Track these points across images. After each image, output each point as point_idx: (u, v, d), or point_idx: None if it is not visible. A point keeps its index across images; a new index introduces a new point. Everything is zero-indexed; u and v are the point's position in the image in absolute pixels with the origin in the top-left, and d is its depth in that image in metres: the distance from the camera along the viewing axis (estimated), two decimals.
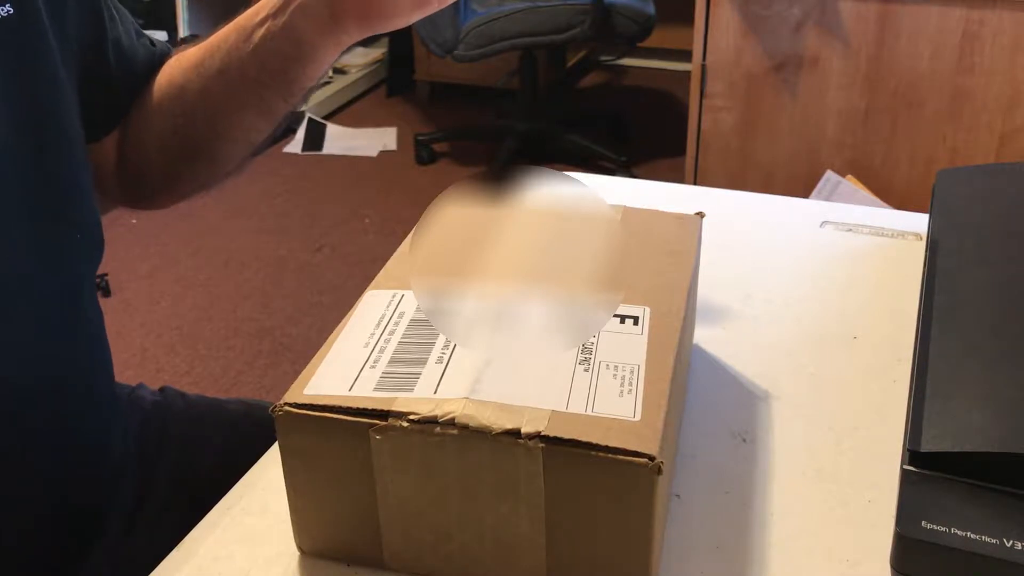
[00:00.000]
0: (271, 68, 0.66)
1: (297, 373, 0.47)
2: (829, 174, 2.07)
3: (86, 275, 0.67)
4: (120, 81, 0.71)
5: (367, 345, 0.49)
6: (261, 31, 0.65)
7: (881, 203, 2.02)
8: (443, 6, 0.62)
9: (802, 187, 2.11)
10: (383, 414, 0.44)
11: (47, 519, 0.65)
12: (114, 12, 0.70)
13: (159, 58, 0.74)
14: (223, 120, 0.70)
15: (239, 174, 0.76)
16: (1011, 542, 0.42)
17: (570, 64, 3.60)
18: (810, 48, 2.01)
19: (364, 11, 0.62)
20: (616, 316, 0.50)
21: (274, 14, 0.64)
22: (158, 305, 2.24)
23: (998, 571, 0.42)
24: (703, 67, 2.09)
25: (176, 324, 2.16)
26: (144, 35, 0.74)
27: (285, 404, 0.45)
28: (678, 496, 0.53)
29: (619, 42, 2.67)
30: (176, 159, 0.73)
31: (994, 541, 0.42)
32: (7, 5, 0.58)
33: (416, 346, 0.48)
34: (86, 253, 0.66)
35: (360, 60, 3.55)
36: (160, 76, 0.73)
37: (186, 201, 0.78)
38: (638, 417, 0.43)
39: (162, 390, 0.81)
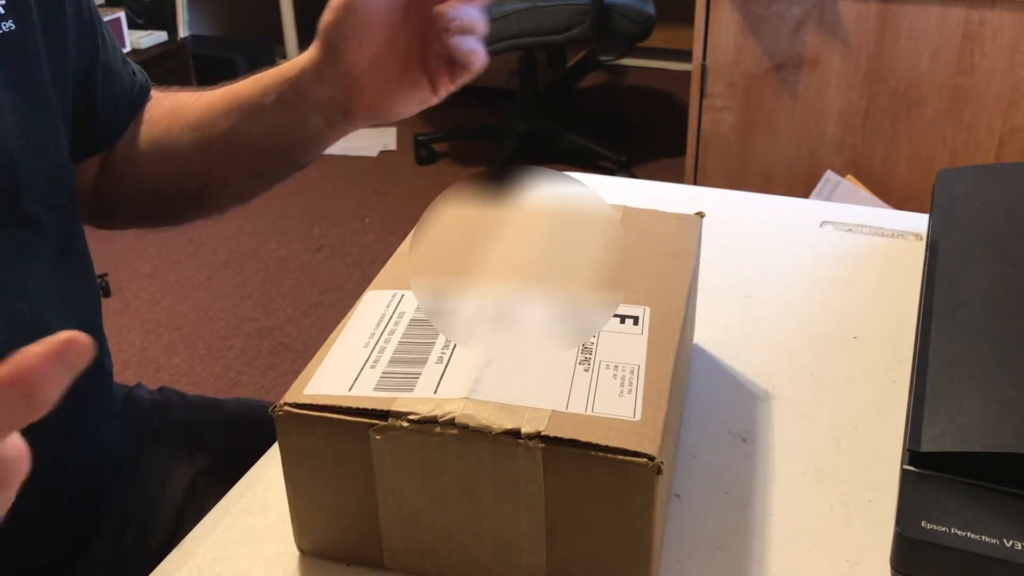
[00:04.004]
0: (279, 142, 0.68)
1: (297, 373, 0.47)
2: (829, 174, 2.07)
3: (80, 278, 0.67)
4: (104, 107, 0.71)
5: (367, 345, 0.49)
6: (273, 115, 0.67)
7: (881, 203, 2.02)
8: (440, 100, 0.67)
9: (802, 187, 2.11)
10: (383, 414, 0.44)
11: (45, 519, 0.65)
12: (106, 36, 0.71)
13: (139, 90, 0.74)
14: (215, 177, 0.72)
15: (216, 216, 0.77)
16: (1011, 542, 0.42)
17: (570, 64, 3.60)
18: (810, 48, 2.01)
19: (374, 110, 0.66)
20: (616, 316, 0.50)
21: (285, 103, 0.66)
22: (158, 305, 2.24)
23: (998, 571, 0.42)
24: (703, 67, 2.09)
25: (176, 324, 2.16)
26: (128, 63, 0.75)
27: (285, 404, 0.45)
28: (678, 496, 0.53)
29: (619, 42, 2.67)
30: (159, 199, 0.74)
31: (994, 541, 0.42)
32: (9, 20, 0.58)
33: (416, 346, 0.48)
34: (76, 260, 0.66)
35: None
36: (160, 121, 0.73)
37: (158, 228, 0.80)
38: (638, 417, 0.43)
39: (160, 390, 0.81)
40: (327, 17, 0.62)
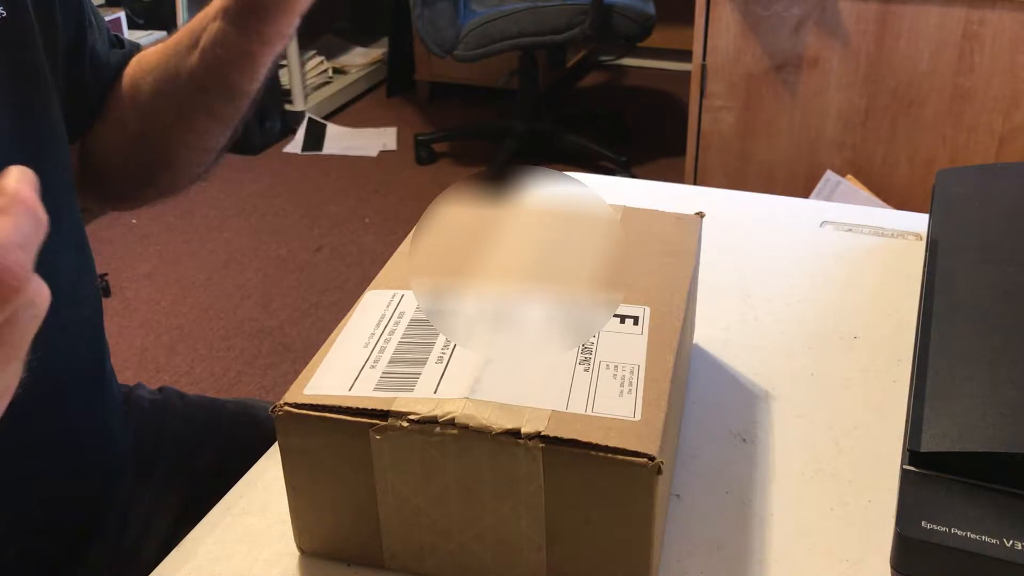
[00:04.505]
0: (213, 71, 0.67)
1: (297, 373, 0.47)
2: (829, 174, 2.07)
3: (81, 274, 0.67)
4: (92, 88, 0.71)
5: (367, 345, 0.49)
6: (204, 35, 0.66)
7: (881, 203, 2.02)
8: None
9: (802, 187, 2.11)
10: (383, 414, 0.44)
11: (45, 518, 0.65)
12: (92, 19, 0.71)
13: (128, 59, 0.74)
14: (178, 125, 0.71)
15: (204, 179, 0.77)
16: (1011, 542, 0.42)
17: (570, 64, 3.60)
18: (810, 48, 2.01)
19: (259, 13, 0.63)
20: (616, 316, 0.50)
21: (213, 18, 0.66)
22: (158, 305, 2.24)
23: (998, 571, 0.42)
24: (703, 67, 2.09)
25: (176, 324, 2.16)
26: (119, 40, 0.75)
27: (285, 404, 0.45)
28: (678, 496, 0.53)
29: (619, 42, 2.67)
30: (136, 164, 0.74)
31: (994, 541, 0.42)
32: (1, 7, 0.58)
33: (416, 346, 0.48)
34: (76, 252, 0.66)
35: (360, 60, 3.55)
36: (124, 81, 0.73)
37: (152, 204, 0.79)
38: (638, 417, 0.43)
39: (161, 390, 0.81)
40: None
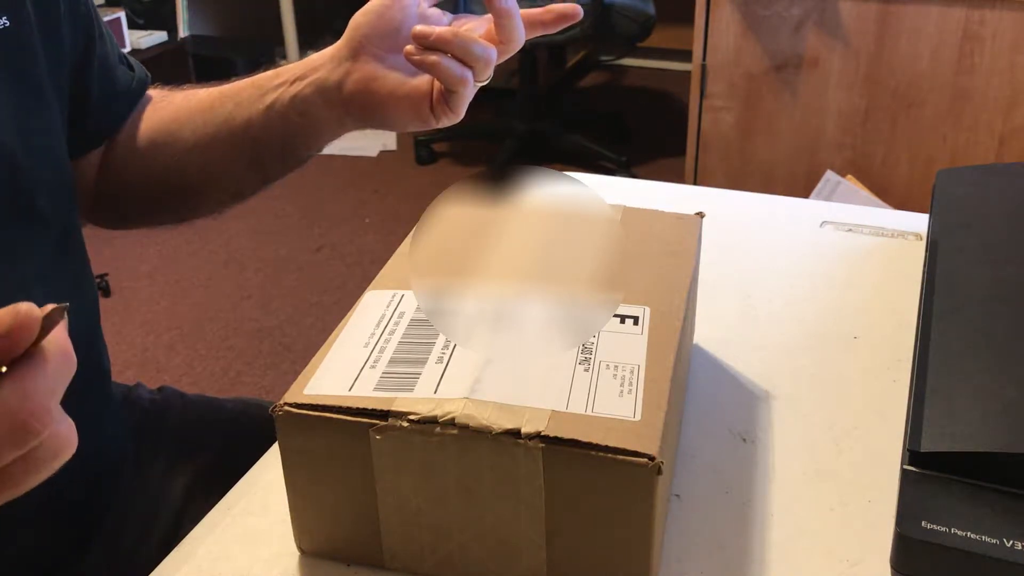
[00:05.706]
0: (274, 130, 0.68)
1: (297, 373, 0.47)
2: (829, 174, 2.07)
3: (79, 277, 0.67)
4: (99, 102, 0.71)
5: (367, 345, 0.49)
6: (275, 93, 0.67)
7: (881, 203, 2.02)
8: (445, 125, 0.64)
9: (802, 187, 2.11)
10: (383, 414, 0.44)
11: (44, 518, 0.65)
12: (103, 31, 0.71)
13: (137, 84, 0.74)
14: (216, 167, 0.71)
15: (217, 216, 0.77)
16: (1011, 542, 0.42)
17: (570, 64, 3.60)
18: (810, 48, 2.01)
19: (367, 112, 0.65)
20: (616, 316, 0.50)
21: (292, 81, 0.66)
22: (158, 305, 2.23)
23: (998, 571, 0.42)
24: (703, 67, 2.09)
25: (176, 324, 2.16)
26: (125, 59, 0.75)
27: (285, 404, 0.45)
28: (678, 496, 0.53)
29: (619, 42, 2.67)
30: (161, 194, 0.74)
31: (994, 541, 0.42)
32: (4, 17, 0.58)
33: (416, 346, 0.48)
34: (74, 256, 0.66)
35: None
36: (162, 111, 0.73)
37: (155, 228, 0.80)
38: (638, 417, 0.43)
39: (160, 389, 0.81)
40: (362, 10, 0.64)
